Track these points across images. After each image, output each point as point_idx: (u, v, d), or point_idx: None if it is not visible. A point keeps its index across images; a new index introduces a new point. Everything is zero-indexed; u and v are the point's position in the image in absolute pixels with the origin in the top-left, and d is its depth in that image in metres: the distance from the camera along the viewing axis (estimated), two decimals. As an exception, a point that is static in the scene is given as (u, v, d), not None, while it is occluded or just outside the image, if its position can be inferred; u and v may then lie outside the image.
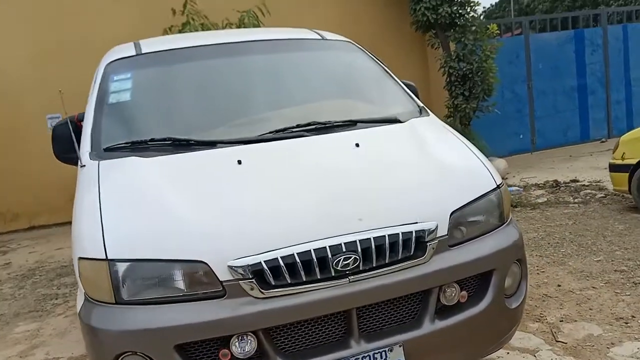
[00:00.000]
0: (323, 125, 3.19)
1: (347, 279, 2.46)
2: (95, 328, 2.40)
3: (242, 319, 2.37)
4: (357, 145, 3.02)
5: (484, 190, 2.86)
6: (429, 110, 3.63)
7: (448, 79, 10.08)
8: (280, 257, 2.39)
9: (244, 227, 2.49)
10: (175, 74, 3.66)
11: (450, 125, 3.64)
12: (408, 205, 2.68)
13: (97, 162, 2.94)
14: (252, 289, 2.38)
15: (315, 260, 2.41)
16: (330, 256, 2.42)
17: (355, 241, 2.47)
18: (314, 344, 2.52)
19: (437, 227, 2.62)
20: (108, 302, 2.42)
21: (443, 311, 2.68)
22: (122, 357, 2.37)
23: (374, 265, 2.50)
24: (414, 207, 2.67)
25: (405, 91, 3.78)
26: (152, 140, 3.05)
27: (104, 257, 2.42)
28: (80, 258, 2.51)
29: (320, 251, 2.42)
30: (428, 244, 2.59)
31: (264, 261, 2.38)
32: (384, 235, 2.51)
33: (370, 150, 3.03)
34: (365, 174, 2.85)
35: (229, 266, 2.37)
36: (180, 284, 2.41)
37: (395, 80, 3.85)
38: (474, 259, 2.70)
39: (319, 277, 2.43)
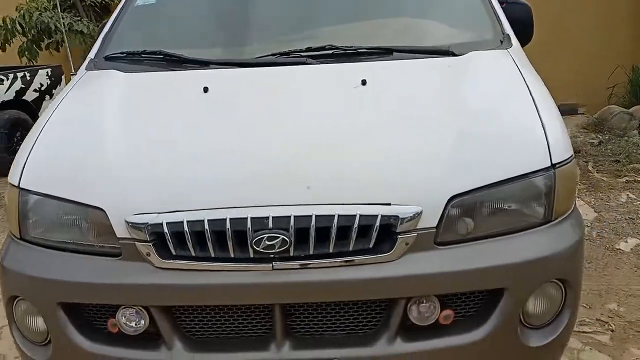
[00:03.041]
0: (343, 52, 2.47)
1: (271, 265, 1.84)
2: (0, 262, 2.12)
3: (129, 288, 1.90)
4: (364, 82, 2.26)
5: (526, 169, 1.94)
6: (514, 40, 2.64)
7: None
8: (187, 221, 1.83)
9: (160, 174, 1.97)
10: None
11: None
12: (385, 179, 1.91)
13: (86, 72, 2.62)
14: (148, 255, 1.88)
15: (230, 233, 1.82)
16: (250, 231, 1.81)
17: (289, 216, 1.81)
18: (228, 336, 1.97)
19: (419, 214, 1.83)
20: (15, 236, 2.11)
21: (412, 331, 1.93)
22: (15, 301, 2.07)
23: (310, 253, 1.83)
24: (393, 182, 1.90)
25: (494, 12, 2.79)
26: (144, 52, 2.63)
27: (17, 184, 2.08)
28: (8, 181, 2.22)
29: (238, 222, 1.81)
30: (399, 236, 1.83)
31: (167, 222, 1.85)
32: (333, 215, 1.81)
33: (376, 92, 2.25)
34: (349, 125, 2.10)
35: (125, 221, 1.89)
36: (80, 232, 2.00)
37: None
38: (469, 269, 1.86)
39: (232, 256, 1.84)
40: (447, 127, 2.04)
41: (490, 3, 2.81)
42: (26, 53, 7.98)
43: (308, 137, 2.05)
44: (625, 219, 4.17)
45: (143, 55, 2.64)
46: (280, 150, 1.99)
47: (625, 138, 6.00)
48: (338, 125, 2.09)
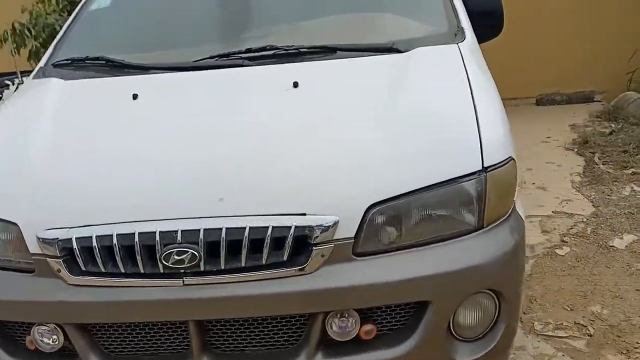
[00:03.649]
0: (285, 52, 2.38)
1: (181, 281, 1.77)
2: None
3: (40, 305, 1.86)
4: (296, 85, 2.17)
5: (455, 173, 1.83)
6: (469, 33, 2.51)
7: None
8: (96, 236, 1.78)
9: (73, 187, 1.92)
10: None
11: None
12: (301, 188, 1.82)
13: (32, 80, 2.59)
14: (59, 271, 1.83)
15: (139, 248, 1.75)
16: (160, 246, 1.74)
17: (198, 230, 1.74)
18: (147, 352, 1.91)
19: (335, 224, 1.74)
20: None
21: (333, 346, 1.83)
22: None
23: (222, 267, 1.75)
24: (309, 191, 1.81)
25: (451, 4, 2.66)
26: (87, 58, 2.58)
27: None
28: None
29: (147, 237, 1.75)
30: (314, 247, 1.74)
31: (76, 238, 1.79)
32: (244, 227, 1.73)
33: (306, 95, 2.16)
34: (269, 132, 2.01)
35: (36, 236, 1.84)
36: None
37: None
38: (389, 281, 1.76)
39: (143, 272, 1.78)
40: (373, 130, 1.94)
41: None
42: (34, 57, 8.06)
43: (224, 146, 1.97)
44: (625, 213, 3.95)
45: (87, 62, 2.59)
46: (193, 160, 1.92)
47: (640, 126, 5.73)
48: (258, 133, 2.01)
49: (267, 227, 1.72)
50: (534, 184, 4.59)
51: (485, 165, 1.84)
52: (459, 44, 2.40)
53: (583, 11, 6.79)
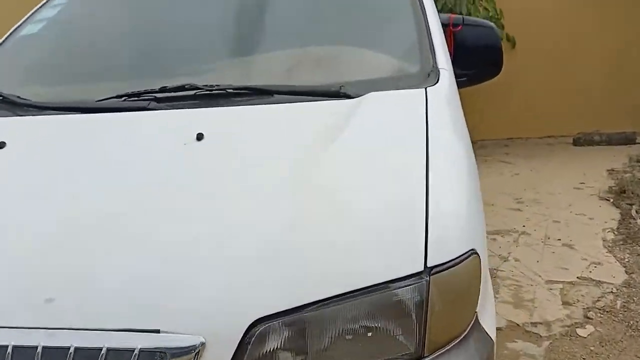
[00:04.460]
0: (208, 92, 1.96)
1: None
2: None
3: None
4: (199, 138, 1.73)
5: (384, 276, 1.32)
6: (446, 75, 2.01)
7: None
8: None
9: None
10: None
11: None
12: (156, 291, 1.34)
13: None
14: None
15: None
16: None
17: (5, 347, 1.27)
18: None
19: (200, 346, 1.26)
20: None
21: None
22: None
23: None
24: (168, 296, 1.33)
25: (428, 39, 2.17)
26: None
27: None
28: None
29: None
30: None
31: None
32: (68, 348, 1.26)
33: (207, 152, 1.72)
34: (130, 209, 1.55)
35: None
36: None
37: (422, 16, 2.27)
38: None
39: None
40: (276, 209, 1.47)
41: (427, 28, 2.21)
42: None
43: (67, 229, 1.50)
44: (665, 283, 3.39)
45: None
46: (26, 248, 1.47)
47: (689, 174, 5.11)
48: (111, 209, 1.55)
49: (100, 350, 1.25)
50: (559, 240, 4.05)
51: (429, 265, 1.33)
52: (427, 88, 1.89)
53: (628, 47, 6.23)
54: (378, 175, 1.55)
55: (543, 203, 4.74)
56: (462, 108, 1.97)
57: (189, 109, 1.91)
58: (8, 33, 2.55)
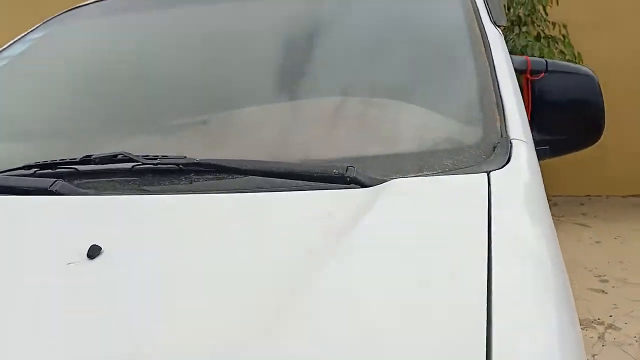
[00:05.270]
0: (152, 167, 1.29)
1: None
2: None
3: None
4: (92, 254, 1.02)
5: None
6: (524, 150, 1.23)
7: None
8: None
9: None
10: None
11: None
12: None
13: None
14: None
15: None
16: None
17: None
18: None
19: None
20: None
21: None
22: None
23: None
24: None
25: (495, 94, 1.39)
26: None
27: None
28: None
29: None
30: None
31: None
32: None
33: (98, 282, 0.99)
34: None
35: None
36: None
37: (486, 58, 1.51)
38: None
39: None
40: None
41: (494, 76, 1.44)
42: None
43: None
44: None
45: None
46: None
47: None
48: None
49: None
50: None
51: None
52: (491, 172, 1.14)
53: None
54: (407, 315, 0.81)
55: (634, 284, 3.86)
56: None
57: (111, 196, 1.24)
58: None
